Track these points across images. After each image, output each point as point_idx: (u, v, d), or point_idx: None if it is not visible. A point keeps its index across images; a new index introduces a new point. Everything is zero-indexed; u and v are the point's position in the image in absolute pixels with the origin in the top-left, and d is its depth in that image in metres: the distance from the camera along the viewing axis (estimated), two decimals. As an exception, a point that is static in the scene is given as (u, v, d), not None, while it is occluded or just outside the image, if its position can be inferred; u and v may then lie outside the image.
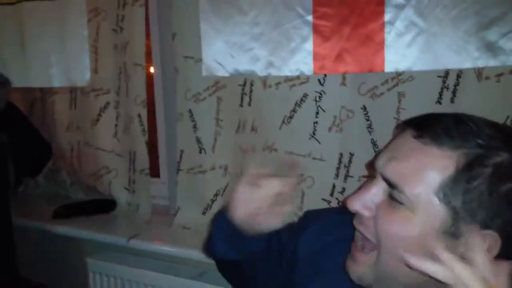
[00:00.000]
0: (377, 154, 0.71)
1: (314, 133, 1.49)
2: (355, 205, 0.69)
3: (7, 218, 1.77)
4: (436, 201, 0.61)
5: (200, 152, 1.68)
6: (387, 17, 1.35)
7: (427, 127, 0.65)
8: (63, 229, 1.88)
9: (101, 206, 1.95)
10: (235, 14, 1.56)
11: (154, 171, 1.93)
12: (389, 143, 0.70)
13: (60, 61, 1.98)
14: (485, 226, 0.60)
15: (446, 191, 0.61)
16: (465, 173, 0.60)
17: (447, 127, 0.63)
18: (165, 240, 1.69)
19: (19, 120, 1.89)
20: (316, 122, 1.48)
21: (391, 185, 0.65)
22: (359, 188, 0.72)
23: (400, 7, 1.33)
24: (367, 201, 0.68)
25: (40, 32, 2.00)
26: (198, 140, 1.68)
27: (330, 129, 1.46)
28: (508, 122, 1.25)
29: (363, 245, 0.70)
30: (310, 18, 1.44)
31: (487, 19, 1.24)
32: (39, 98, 2.13)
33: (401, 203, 0.64)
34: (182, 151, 1.71)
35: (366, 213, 0.68)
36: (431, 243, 0.59)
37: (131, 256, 1.75)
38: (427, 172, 0.62)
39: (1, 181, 1.76)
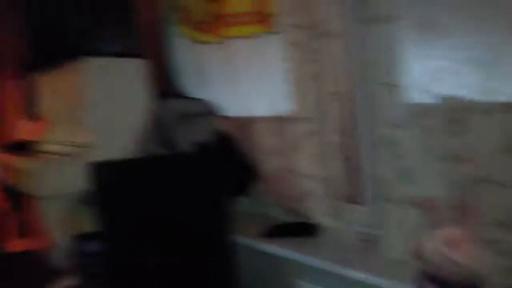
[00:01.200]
0: None
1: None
2: None
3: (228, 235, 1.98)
4: None
5: (405, 182, 1.63)
6: None
7: None
8: (274, 248, 2.01)
9: (305, 229, 2.04)
10: (440, 37, 1.48)
11: (355, 198, 1.94)
12: None
13: (263, 92, 2.14)
14: None
15: None
16: None
17: None
18: (373, 270, 1.68)
19: (231, 144, 2.11)
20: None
21: None
22: None
23: None
24: None
25: (245, 66, 2.20)
26: (402, 169, 1.64)
27: None
28: None
29: None
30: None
31: None
32: (246, 125, 2.33)
33: None
34: (385, 180, 1.69)
35: None
36: None
37: (337, 281, 1.79)
38: None
39: (220, 200, 1.98)
